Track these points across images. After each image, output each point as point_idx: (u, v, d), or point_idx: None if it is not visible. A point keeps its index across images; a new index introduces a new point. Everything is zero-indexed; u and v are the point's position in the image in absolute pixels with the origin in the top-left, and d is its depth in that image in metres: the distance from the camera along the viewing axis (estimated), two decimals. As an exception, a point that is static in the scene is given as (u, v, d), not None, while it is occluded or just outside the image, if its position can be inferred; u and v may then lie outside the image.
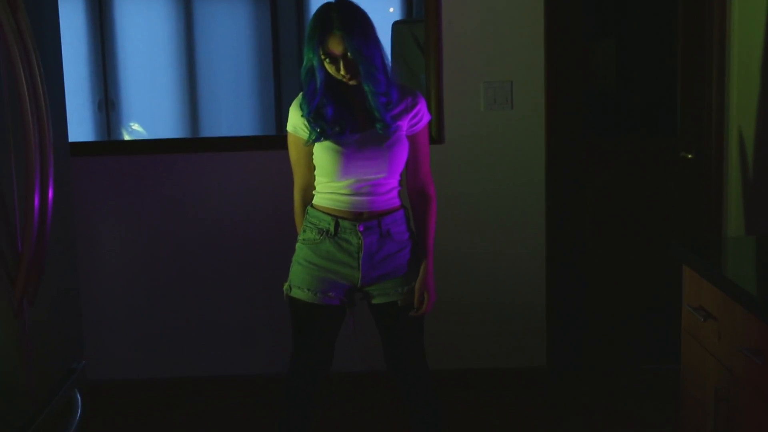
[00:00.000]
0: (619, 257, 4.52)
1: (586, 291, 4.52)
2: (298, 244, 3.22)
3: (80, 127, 6.11)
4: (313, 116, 3.08)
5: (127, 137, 6.25)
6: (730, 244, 3.58)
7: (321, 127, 3.07)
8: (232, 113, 6.41)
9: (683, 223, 4.47)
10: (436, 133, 4.30)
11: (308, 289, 3.15)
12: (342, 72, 3.02)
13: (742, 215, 4.12)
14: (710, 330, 2.84)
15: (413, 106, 3.16)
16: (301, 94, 3.13)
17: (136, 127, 6.29)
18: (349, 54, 2.99)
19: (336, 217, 3.13)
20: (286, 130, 3.22)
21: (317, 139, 3.09)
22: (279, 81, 6.40)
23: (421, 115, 3.18)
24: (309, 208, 3.20)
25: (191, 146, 4.56)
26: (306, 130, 3.12)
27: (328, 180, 3.12)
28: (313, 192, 3.21)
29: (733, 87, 4.15)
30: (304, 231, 3.19)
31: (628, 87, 4.72)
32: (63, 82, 2.89)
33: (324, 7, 3.03)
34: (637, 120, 4.70)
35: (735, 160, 4.16)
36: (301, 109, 3.12)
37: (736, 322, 2.65)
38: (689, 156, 4.39)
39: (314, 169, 3.18)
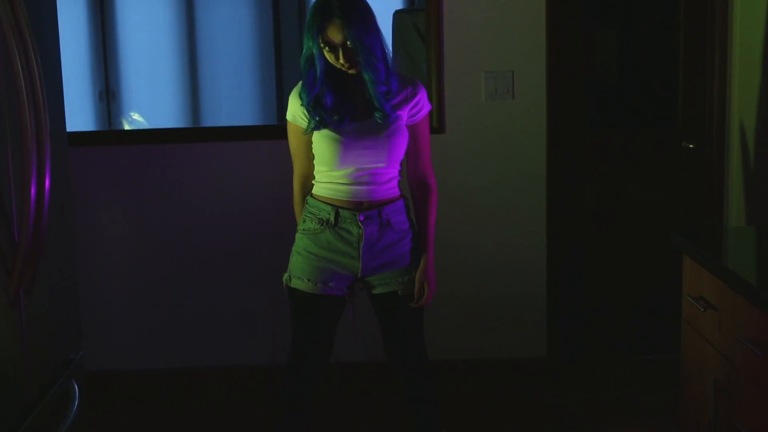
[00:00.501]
0: (619, 247, 4.51)
1: (586, 281, 4.52)
2: (297, 234, 3.21)
3: (81, 116, 6.09)
4: (312, 105, 3.07)
5: (127, 127, 6.24)
6: (730, 234, 3.57)
7: (320, 115, 3.06)
8: (232, 103, 6.39)
9: (684, 214, 4.46)
10: (437, 122, 4.29)
11: (308, 279, 3.14)
12: (341, 61, 3.00)
13: (743, 205, 4.11)
14: (710, 320, 2.84)
15: (413, 95, 3.15)
16: (300, 82, 3.12)
17: (136, 116, 6.27)
18: (348, 43, 2.97)
19: (336, 206, 3.12)
20: (286, 119, 3.21)
21: (316, 128, 3.08)
22: (280, 70, 6.38)
23: (421, 105, 3.17)
24: (309, 197, 3.19)
25: (190, 136, 4.55)
26: (305, 118, 3.10)
27: (328, 169, 3.11)
28: (313, 182, 3.20)
29: (735, 77, 4.14)
30: (304, 221, 3.18)
31: (630, 77, 4.70)
32: (60, 72, 2.88)
33: (324, -4, 3.01)
34: (639, 110, 4.68)
35: (736, 150, 4.14)
36: (301, 97, 3.10)
37: (736, 313, 2.64)
38: (691, 146, 4.37)
39: (314, 159, 3.17)
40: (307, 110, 3.08)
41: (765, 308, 2.41)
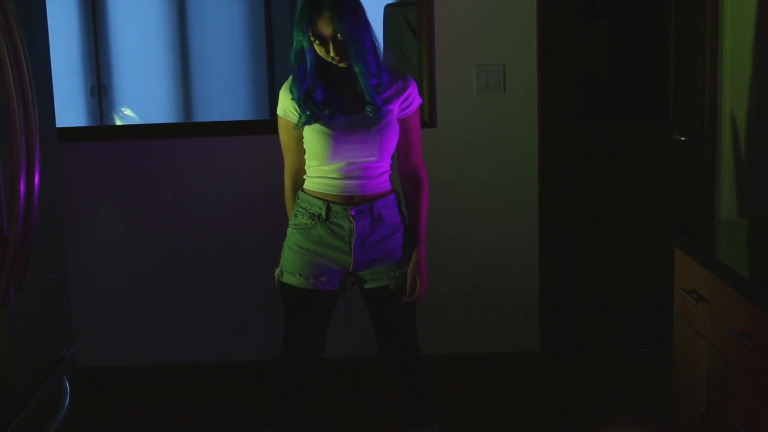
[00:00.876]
0: (612, 240, 4.51)
1: (579, 275, 4.51)
2: (289, 229, 3.21)
3: (73, 112, 6.08)
4: (302, 99, 3.06)
5: (118, 122, 6.23)
6: (722, 226, 3.57)
7: (311, 110, 3.05)
8: (224, 98, 6.38)
9: (676, 206, 4.46)
10: (428, 116, 4.28)
11: (300, 275, 3.14)
12: (332, 54, 2.99)
13: (734, 198, 4.11)
14: (702, 313, 2.83)
15: (404, 89, 3.14)
16: (291, 77, 3.11)
17: (128, 112, 6.25)
18: (338, 35, 2.96)
19: (327, 201, 3.11)
20: (277, 114, 3.20)
21: (307, 123, 3.07)
22: (272, 65, 6.37)
23: (412, 99, 3.16)
24: (300, 192, 3.18)
25: (182, 131, 4.54)
26: (296, 113, 3.10)
27: (319, 164, 3.10)
28: (304, 176, 3.19)
29: (726, 69, 4.13)
30: (296, 216, 3.18)
31: (622, 70, 4.69)
32: (50, 67, 2.86)
33: (314, -11, 3.00)
34: (631, 103, 4.68)
35: (728, 142, 4.14)
36: (291, 92, 3.09)
37: (728, 305, 2.64)
38: (682, 139, 4.37)
39: (305, 153, 3.16)
40: (298, 104, 3.07)
41: (757, 301, 2.41)
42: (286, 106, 3.13)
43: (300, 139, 3.14)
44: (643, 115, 4.65)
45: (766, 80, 3.90)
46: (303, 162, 3.18)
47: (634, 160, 4.46)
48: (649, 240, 4.39)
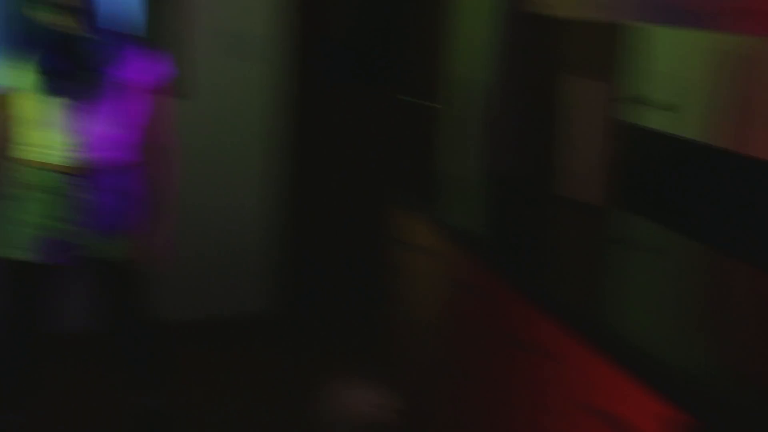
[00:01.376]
0: (352, 201, 4.67)
1: (317, 237, 4.66)
2: (7, 201, 3.04)
3: None
4: (30, 67, 2.94)
5: None
6: (446, 183, 3.69)
7: (39, 77, 2.93)
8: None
9: (413, 166, 4.65)
10: (178, 86, 4.23)
11: (22, 248, 3.00)
12: (65, 21, 2.91)
13: (462, 155, 4.27)
14: (425, 265, 2.95)
15: (144, 59, 3.07)
16: (18, 44, 2.98)
17: None
18: (72, 3, 2.90)
19: (51, 171, 2.99)
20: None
21: (35, 91, 2.94)
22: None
23: (152, 68, 3.10)
24: (18, 163, 3.02)
25: None
26: (21, 80, 2.96)
27: (45, 133, 2.97)
28: (24, 146, 3.02)
29: (457, 33, 4.30)
30: (15, 187, 3.02)
31: (364, 35, 4.77)
32: None
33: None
34: (374, 68, 4.77)
35: (464, 105, 4.30)
36: (18, 59, 2.97)
37: (449, 257, 2.75)
38: (419, 101, 4.55)
39: (25, 122, 3.00)
40: (26, 72, 2.94)
41: (474, 252, 2.51)
42: (10, 74, 2.98)
43: (17, 107, 2.99)
44: (385, 79, 4.74)
45: (490, 43, 4.07)
46: (22, 131, 3.02)
47: (373, 123, 4.63)
48: (384, 199, 4.55)
